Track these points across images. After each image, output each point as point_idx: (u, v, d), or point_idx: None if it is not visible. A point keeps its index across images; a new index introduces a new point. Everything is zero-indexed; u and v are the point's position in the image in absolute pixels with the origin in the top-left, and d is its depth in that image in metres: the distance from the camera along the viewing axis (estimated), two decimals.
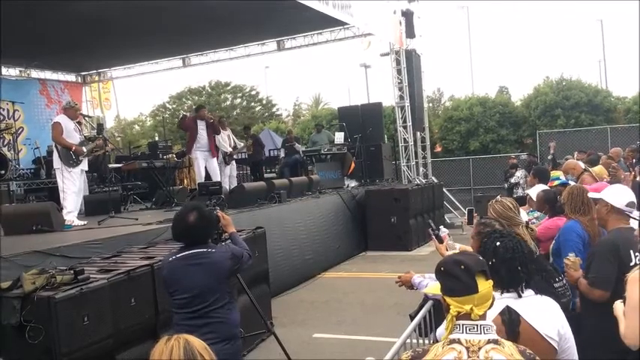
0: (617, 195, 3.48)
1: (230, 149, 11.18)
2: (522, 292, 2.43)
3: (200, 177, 9.96)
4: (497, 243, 2.48)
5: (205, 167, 9.99)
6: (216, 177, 9.95)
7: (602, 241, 3.57)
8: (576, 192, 4.03)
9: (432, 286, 2.20)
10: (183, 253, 3.53)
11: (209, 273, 3.46)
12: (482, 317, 1.97)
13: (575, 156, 10.98)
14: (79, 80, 17.99)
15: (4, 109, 13.64)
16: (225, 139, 11.11)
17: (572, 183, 5.47)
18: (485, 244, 2.54)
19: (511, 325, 2.31)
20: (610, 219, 3.49)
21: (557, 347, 2.32)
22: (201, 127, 9.87)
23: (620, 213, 3.42)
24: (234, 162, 11.86)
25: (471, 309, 1.93)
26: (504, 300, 2.39)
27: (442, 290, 2.04)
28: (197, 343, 1.70)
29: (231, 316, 3.54)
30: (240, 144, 12.23)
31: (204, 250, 3.53)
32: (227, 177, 11.08)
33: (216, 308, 3.44)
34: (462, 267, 1.98)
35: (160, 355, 1.66)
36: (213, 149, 10.07)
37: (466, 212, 4.86)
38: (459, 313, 1.95)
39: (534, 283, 2.57)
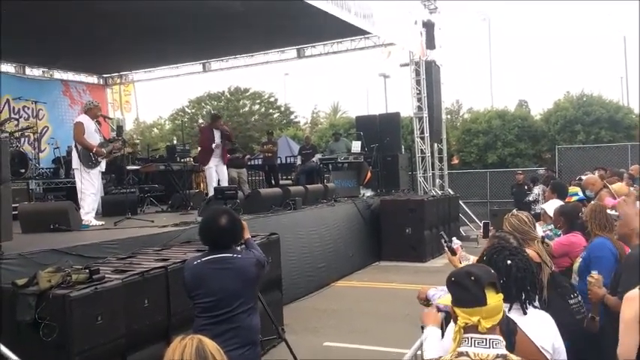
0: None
1: None
2: (527, 309, 2.41)
3: (212, 184, 9.99)
4: (509, 262, 2.42)
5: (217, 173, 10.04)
6: (225, 183, 9.96)
7: (630, 256, 3.53)
8: (598, 209, 4.01)
9: (444, 297, 2.19)
10: (209, 257, 3.51)
11: (236, 278, 3.45)
12: (491, 331, 1.95)
13: (596, 174, 10.84)
14: (101, 82, 18.21)
15: (28, 108, 13.86)
16: None
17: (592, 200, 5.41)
18: (495, 261, 2.46)
19: (508, 334, 2.30)
20: (634, 234, 3.46)
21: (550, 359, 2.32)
22: (217, 137, 9.93)
23: None
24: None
25: (479, 321, 1.92)
26: (510, 314, 2.38)
27: (452, 300, 2.04)
28: (210, 343, 1.74)
29: (253, 321, 3.53)
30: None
31: (230, 255, 3.51)
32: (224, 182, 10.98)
33: (239, 313, 3.42)
34: (472, 278, 1.98)
35: (172, 352, 1.72)
36: (225, 156, 10.12)
37: (482, 225, 4.82)
38: (467, 325, 1.94)
39: (549, 299, 2.56)
